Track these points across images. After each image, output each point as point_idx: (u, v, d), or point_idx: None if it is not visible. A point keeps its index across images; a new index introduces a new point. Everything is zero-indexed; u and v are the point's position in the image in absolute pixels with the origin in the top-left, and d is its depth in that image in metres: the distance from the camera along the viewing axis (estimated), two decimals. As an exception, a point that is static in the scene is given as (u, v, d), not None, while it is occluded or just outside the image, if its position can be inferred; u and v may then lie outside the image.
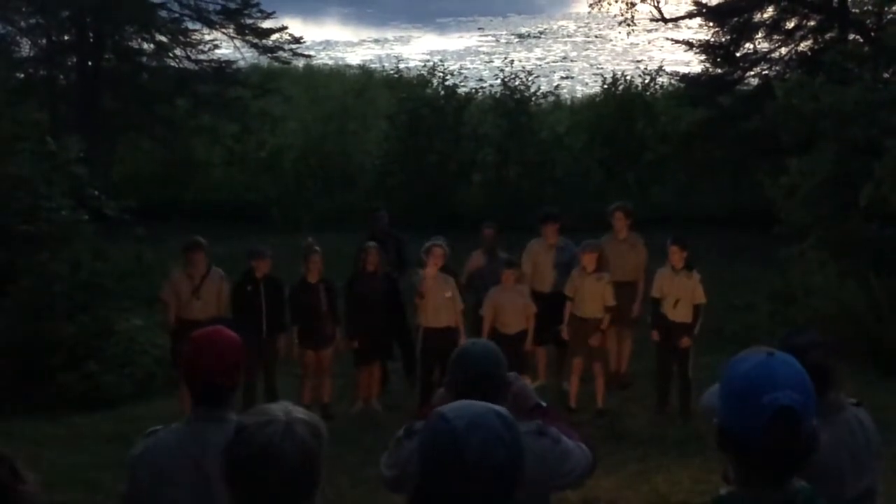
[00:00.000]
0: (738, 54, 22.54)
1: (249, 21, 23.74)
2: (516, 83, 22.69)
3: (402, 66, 26.47)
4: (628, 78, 23.96)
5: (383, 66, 30.34)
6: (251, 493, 2.79)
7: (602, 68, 32.19)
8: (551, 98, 24.50)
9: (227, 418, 4.10)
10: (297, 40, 24.40)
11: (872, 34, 19.05)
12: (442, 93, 22.71)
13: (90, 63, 23.09)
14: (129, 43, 23.63)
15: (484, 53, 40.92)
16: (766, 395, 2.70)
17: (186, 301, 11.52)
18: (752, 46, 22.56)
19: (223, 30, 23.74)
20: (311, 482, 2.82)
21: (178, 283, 11.63)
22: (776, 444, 2.70)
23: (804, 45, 22.14)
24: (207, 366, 4.22)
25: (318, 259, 11.86)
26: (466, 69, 29.32)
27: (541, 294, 12.14)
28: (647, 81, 23.78)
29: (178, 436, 4.28)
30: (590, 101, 26.11)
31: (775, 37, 22.33)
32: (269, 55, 24.50)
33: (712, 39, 22.64)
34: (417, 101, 22.47)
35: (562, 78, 32.65)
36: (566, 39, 45.80)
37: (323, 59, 36.17)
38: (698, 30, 24.69)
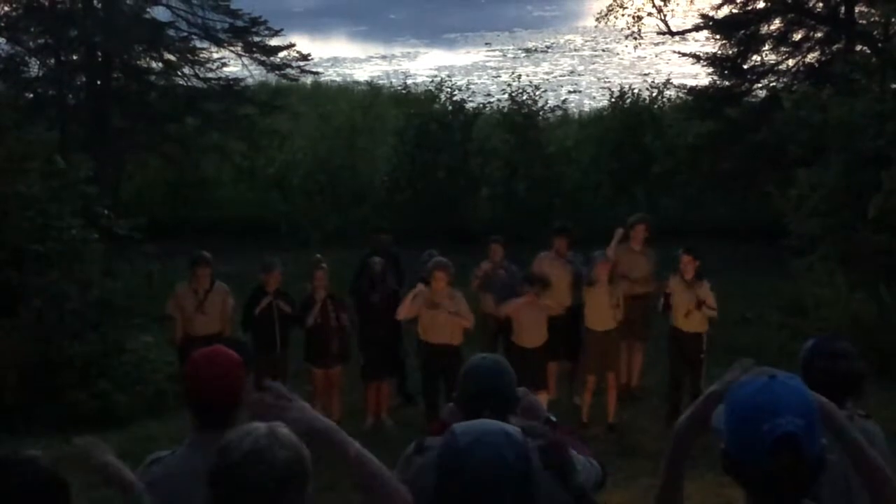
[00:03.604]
0: (745, 66, 22.55)
1: (257, 39, 23.79)
2: (524, 98, 22.70)
3: (409, 81, 26.50)
4: (636, 91, 23.95)
5: (391, 82, 30.39)
6: (241, 497, 2.78)
7: (609, 82, 32.23)
8: (559, 112, 24.48)
9: None
10: (305, 57, 24.45)
11: (879, 45, 19.03)
12: (449, 108, 22.72)
13: (99, 82, 23.17)
14: (138, 62, 23.69)
15: (491, 68, 40.94)
16: (766, 422, 2.68)
17: (191, 316, 11.60)
18: (759, 58, 22.57)
19: (231, 48, 23.81)
20: (302, 480, 2.80)
21: (182, 298, 11.70)
22: (779, 470, 2.69)
23: (811, 57, 22.16)
24: (207, 387, 4.19)
25: (323, 275, 11.85)
26: (474, 84, 29.33)
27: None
28: (654, 94, 23.77)
29: (183, 464, 4.24)
30: (597, 114, 26.11)
31: (782, 49, 22.34)
32: (277, 72, 24.54)
33: (719, 52, 22.66)
34: (425, 116, 22.49)
35: (569, 92, 32.63)
36: (573, 53, 45.82)
37: (331, 75, 36.26)
38: (705, 42, 24.75)
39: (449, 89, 23.13)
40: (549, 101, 23.68)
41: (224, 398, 4.20)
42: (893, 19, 18.19)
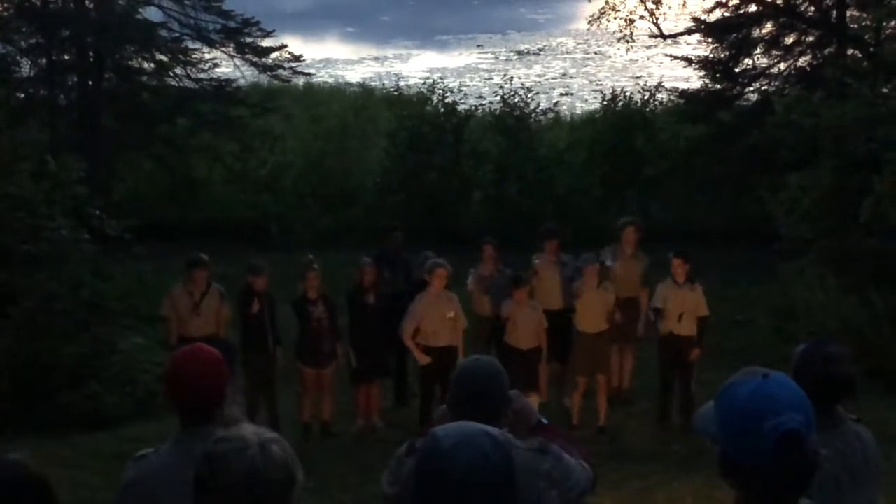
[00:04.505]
0: (737, 70, 22.57)
1: (249, 40, 23.78)
2: (516, 100, 22.74)
3: (401, 83, 26.52)
4: (627, 94, 23.95)
5: (383, 84, 30.38)
6: None
7: (601, 85, 32.26)
8: (551, 115, 24.52)
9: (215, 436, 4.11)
10: (297, 58, 24.44)
11: (871, 49, 19.08)
12: (442, 110, 22.75)
13: (90, 82, 23.13)
14: (130, 62, 23.69)
15: (483, 70, 40.95)
16: (768, 420, 2.66)
17: (186, 317, 11.56)
18: (751, 62, 22.60)
19: (223, 49, 23.79)
20: (290, 495, 2.81)
21: (178, 299, 11.67)
22: (784, 468, 2.68)
23: (803, 61, 22.20)
24: (191, 385, 4.20)
25: (315, 276, 11.86)
26: (466, 86, 29.33)
27: (548, 311, 12.09)
28: (646, 97, 23.78)
29: (167, 459, 4.24)
30: (589, 117, 26.14)
31: (774, 52, 22.38)
32: (269, 74, 24.53)
33: (711, 55, 22.68)
34: (417, 118, 22.51)
35: (561, 94, 32.70)
36: (565, 56, 45.86)
37: (323, 77, 36.27)
38: (697, 46, 24.77)
39: (441, 91, 23.16)
40: (541, 104, 23.72)
41: (207, 396, 4.23)
42: (885, 23, 18.24)
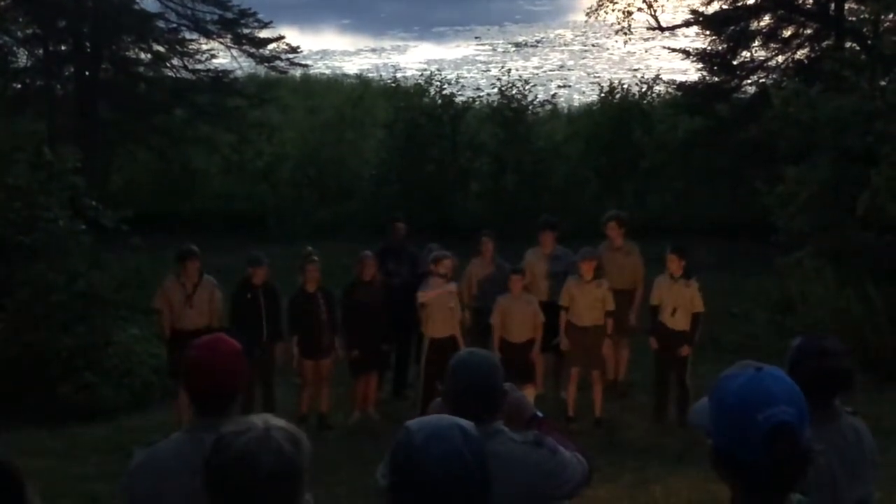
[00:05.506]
0: (734, 63, 22.55)
1: (246, 31, 23.75)
2: (513, 92, 22.67)
3: (399, 75, 26.43)
4: (625, 86, 23.93)
5: (380, 76, 30.35)
6: (229, 500, 2.78)
7: (599, 77, 32.19)
8: (548, 107, 24.49)
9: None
10: (294, 50, 24.40)
11: (869, 42, 19.06)
12: (439, 102, 22.68)
13: (87, 73, 23.10)
14: (127, 53, 23.64)
15: (481, 62, 40.90)
16: (760, 412, 2.65)
17: (179, 309, 11.56)
18: (748, 55, 22.57)
19: (220, 39, 23.75)
20: (290, 490, 2.79)
21: (170, 292, 11.66)
22: (775, 461, 2.66)
23: (801, 54, 22.18)
24: (209, 374, 4.22)
25: (315, 268, 11.87)
26: (463, 78, 29.30)
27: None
28: (644, 90, 23.73)
29: (177, 445, 4.27)
30: (587, 109, 26.12)
31: (772, 45, 22.36)
32: (267, 65, 24.50)
33: (709, 48, 22.67)
34: (414, 110, 22.45)
35: (559, 87, 32.67)
36: (563, 48, 45.80)
37: (320, 68, 36.20)
38: (695, 38, 24.77)
39: (438, 83, 23.07)
40: (539, 96, 23.64)
41: (224, 386, 4.26)
42: (883, 16, 18.23)
